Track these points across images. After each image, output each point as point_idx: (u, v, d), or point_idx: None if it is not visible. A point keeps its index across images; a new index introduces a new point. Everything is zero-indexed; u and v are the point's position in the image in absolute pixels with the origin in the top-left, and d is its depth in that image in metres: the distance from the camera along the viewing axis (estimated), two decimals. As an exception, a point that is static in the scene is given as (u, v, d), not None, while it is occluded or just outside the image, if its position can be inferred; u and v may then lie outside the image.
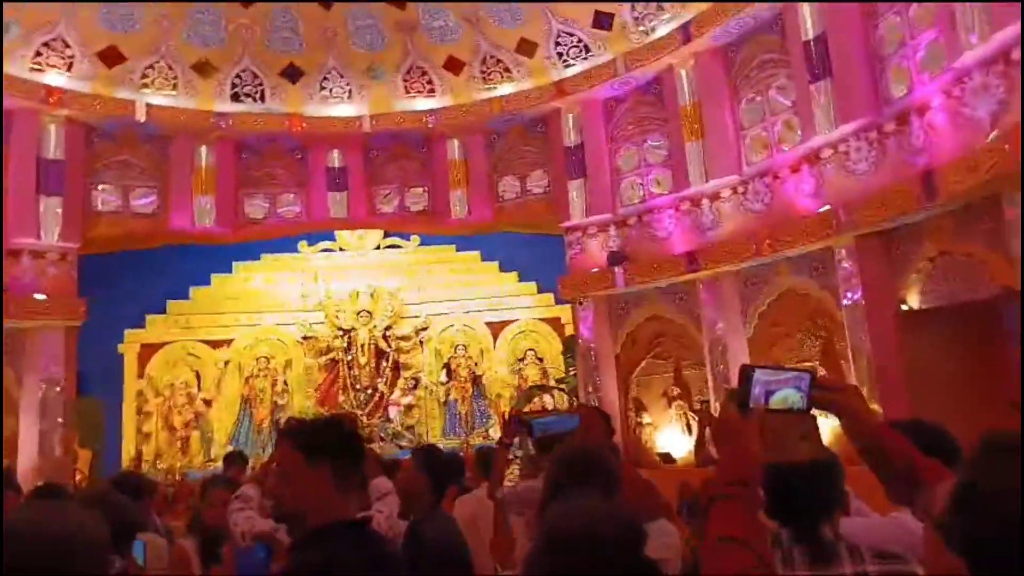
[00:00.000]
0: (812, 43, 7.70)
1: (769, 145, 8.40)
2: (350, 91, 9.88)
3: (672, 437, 8.98)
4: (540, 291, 12.31)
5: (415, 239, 13.02)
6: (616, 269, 9.21)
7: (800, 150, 7.95)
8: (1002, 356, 6.80)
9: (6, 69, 8.32)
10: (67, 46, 8.65)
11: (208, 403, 12.40)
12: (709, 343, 8.67)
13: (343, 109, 9.89)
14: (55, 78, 8.72)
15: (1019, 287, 6.07)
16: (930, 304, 6.97)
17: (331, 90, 9.84)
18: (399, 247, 13.18)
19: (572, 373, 10.20)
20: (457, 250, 13.27)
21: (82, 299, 8.89)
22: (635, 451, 8.95)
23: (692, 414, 8.95)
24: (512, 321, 13.01)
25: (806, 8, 7.78)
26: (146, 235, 9.44)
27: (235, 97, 9.58)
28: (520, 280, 12.83)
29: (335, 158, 9.98)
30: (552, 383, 11.22)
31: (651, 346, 9.31)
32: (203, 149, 9.56)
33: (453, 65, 9.88)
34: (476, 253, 13.37)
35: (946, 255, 6.78)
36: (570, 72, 9.57)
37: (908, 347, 6.99)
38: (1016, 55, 5.77)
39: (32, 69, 8.61)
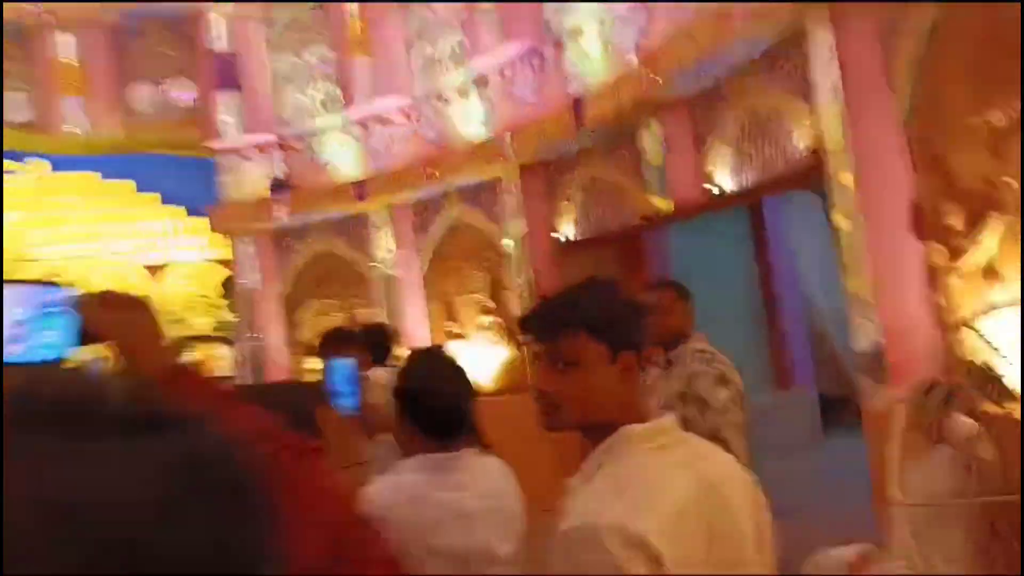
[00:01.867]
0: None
1: (438, 66, 7.90)
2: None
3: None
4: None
5: (41, 163, 10.67)
6: (278, 199, 8.21)
7: (468, 72, 7.56)
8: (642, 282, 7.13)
9: None
10: None
11: None
12: (382, 280, 8.12)
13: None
14: None
15: (654, 214, 6.28)
16: (583, 235, 7.05)
17: None
18: (14, 172, 10.73)
19: (232, 320, 9.07)
20: (104, 177, 11.18)
21: None
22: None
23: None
24: (175, 262, 11.39)
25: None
26: None
27: None
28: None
29: None
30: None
31: (320, 284, 8.53)
32: None
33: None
34: (130, 182, 11.36)
35: (597, 183, 6.85)
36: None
37: (564, 278, 7.02)
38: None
39: None
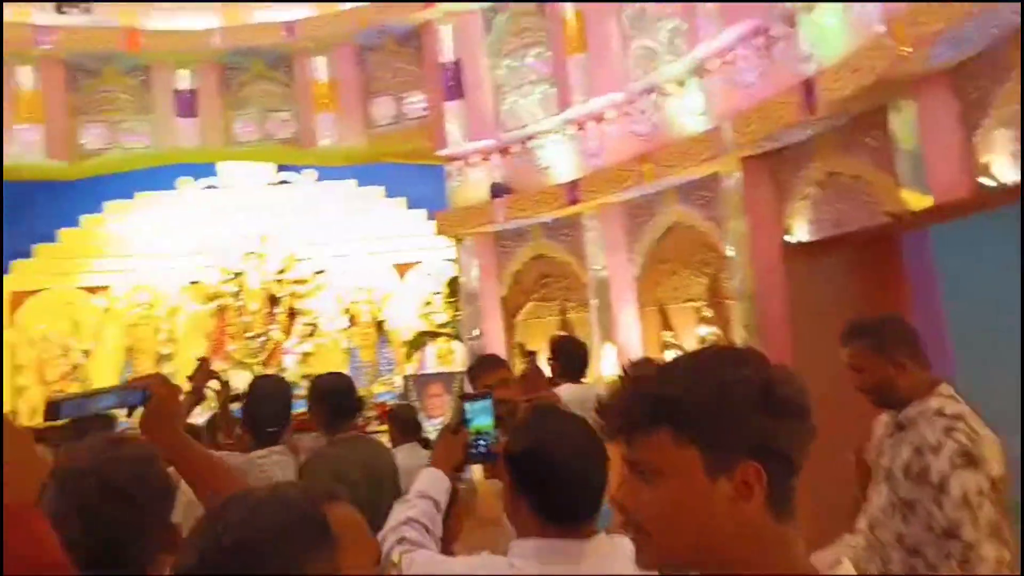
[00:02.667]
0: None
1: (656, 57, 7.37)
2: None
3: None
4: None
5: (310, 173, 11.95)
6: (497, 202, 8.26)
7: (686, 62, 6.94)
8: (896, 293, 6.01)
9: None
10: None
11: (87, 354, 11.49)
12: (595, 284, 7.81)
13: (189, 22, 8.68)
14: None
15: (908, 211, 5.23)
16: (818, 235, 6.11)
17: (174, -1, 8.61)
18: (290, 183, 12.12)
19: (459, 318, 9.36)
20: (359, 184, 12.25)
21: None
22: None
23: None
24: (418, 262, 12.14)
25: None
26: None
27: (59, 8, 8.34)
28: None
29: (184, 79, 8.80)
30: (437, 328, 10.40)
31: (536, 287, 8.44)
32: (27, 70, 8.36)
33: (314, -31, 8.69)
34: (381, 188, 12.36)
35: (834, 177, 5.88)
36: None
37: (793, 283, 6.16)
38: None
39: None
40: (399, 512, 1.84)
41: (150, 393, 1.54)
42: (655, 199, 7.35)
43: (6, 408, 11.04)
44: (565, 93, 8.00)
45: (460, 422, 1.94)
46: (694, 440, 0.93)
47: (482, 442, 1.93)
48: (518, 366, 7.96)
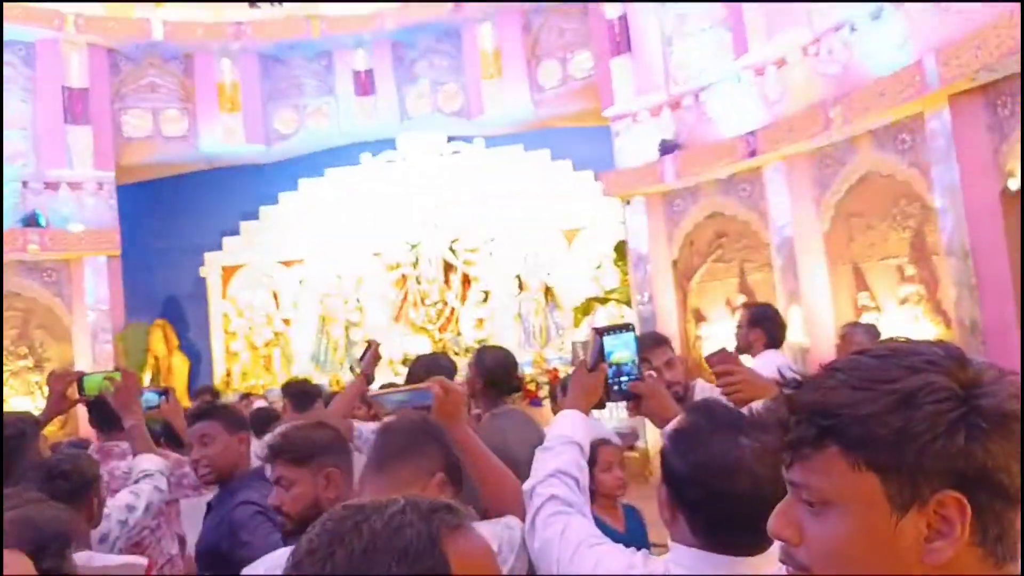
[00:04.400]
0: None
1: (845, -12, 6.64)
2: (369, -18, 9.01)
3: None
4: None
5: (479, 141, 12.13)
6: (667, 160, 7.93)
7: (882, -11, 6.20)
8: None
9: (23, -1, 8.19)
10: (75, -32, 8.37)
11: (286, 322, 12.57)
12: (777, 242, 7.30)
13: (364, 6, 9.04)
14: (72, 5, 8.51)
15: None
16: (1049, 178, 5.26)
17: (349, -17, 9.01)
18: (460, 152, 12.37)
19: (628, 282, 9.16)
20: (525, 149, 12.29)
21: (120, 229, 8.95)
22: (695, 367, 7.90)
23: (758, 324, 7.70)
24: (587, 226, 12.02)
25: None
26: (179, 159, 9.27)
27: (252, 3, 9.00)
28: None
29: (360, 60, 9.22)
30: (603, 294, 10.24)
31: (712, 248, 8.04)
32: (226, 63, 9.13)
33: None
34: (546, 151, 12.32)
35: (1071, 110, 5.02)
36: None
37: (1016, 236, 5.37)
38: None
39: (46, -3, 8.44)
40: (544, 462, 1.65)
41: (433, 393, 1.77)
42: (846, 146, 6.70)
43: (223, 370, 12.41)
44: (741, 37, 7.47)
45: (598, 358, 1.75)
46: (872, 464, 0.74)
47: (624, 378, 1.75)
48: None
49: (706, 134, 7.75)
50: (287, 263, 12.57)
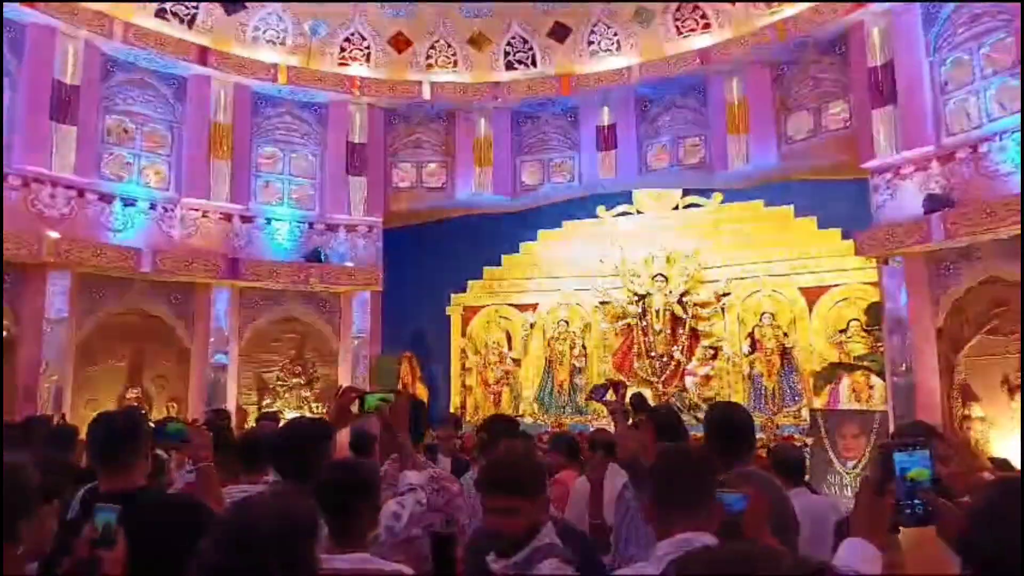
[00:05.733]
0: None
1: None
2: (618, 42, 9.35)
3: (1012, 438, 6.78)
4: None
5: (717, 196, 11.92)
6: (934, 217, 7.22)
7: None
8: None
9: (321, 67, 9.60)
10: (363, 39, 9.65)
11: (517, 362, 13.12)
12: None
13: (612, 62, 9.40)
14: (357, 69, 9.82)
15: None
16: None
17: (599, 44, 9.41)
18: (699, 206, 12.23)
19: (880, 350, 8.38)
20: (766, 205, 11.84)
21: (383, 267, 9.98)
22: (962, 453, 6.98)
23: (1045, 410, 6.65)
24: (832, 286, 11.24)
25: None
26: (437, 208, 10.19)
27: (508, 66, 9.74)
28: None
29: (604, 115, 9.56)
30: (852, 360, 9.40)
31: (986, 317, 7.12)
32: (482, 121, 9.94)
33: (730, -9, 8.72)
34: (788, 208, 11.78)
35: None
36: (875, -26, 7.69)
37: None
38: None
39: (339, 64, 9.81)
40: None
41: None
42: None
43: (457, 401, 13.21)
44: (1032, 85, 6.67)
45: (886, 479, 1.59)
46: None
47: (918, 501, 1.55)
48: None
49: (984, 189, 6.97)
50: (520, 307, 13.18)
